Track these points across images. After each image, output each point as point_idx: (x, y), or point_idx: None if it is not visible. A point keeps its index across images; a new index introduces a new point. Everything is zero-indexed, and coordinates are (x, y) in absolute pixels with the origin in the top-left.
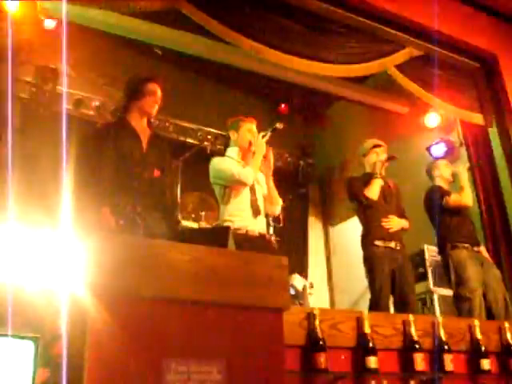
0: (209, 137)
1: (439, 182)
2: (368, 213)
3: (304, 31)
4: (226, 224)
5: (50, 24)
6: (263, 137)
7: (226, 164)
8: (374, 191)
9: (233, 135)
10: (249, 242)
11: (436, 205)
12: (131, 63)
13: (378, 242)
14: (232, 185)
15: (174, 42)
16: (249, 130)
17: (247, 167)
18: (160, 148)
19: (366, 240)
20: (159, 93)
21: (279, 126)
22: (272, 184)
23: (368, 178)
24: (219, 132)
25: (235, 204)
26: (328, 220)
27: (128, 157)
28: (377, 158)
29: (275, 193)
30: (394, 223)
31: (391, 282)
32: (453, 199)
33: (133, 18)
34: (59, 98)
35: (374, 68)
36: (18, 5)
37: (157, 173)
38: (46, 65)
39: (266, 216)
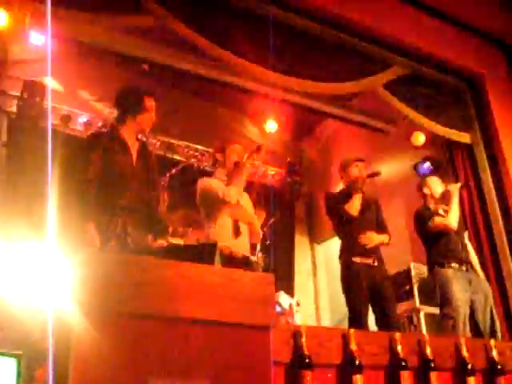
0: (196, 154)
1: (429, 200)
2: (347, 229)
3: (292, 49)
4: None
5: (38, 38)
6: (248, 157)
7: (210, 184)
8: (354, 207)
9: (219, 157)
10: (233, 263)
11: (423, 227)
12: (118, 79)
13: (355, 259)
14: (217, 204)
15: (158, 57)
16: (234, 152)
17: (231, 186)
18: (148, 161)
19: (344, 256)
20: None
21: (262, 145)
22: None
23: (347, 193)
24: (206, 149)
25: (219, 225)
26: (314, 237)
27: (118, 172)
28: (358, 172)
29: (257, 227)
30: (371, 239)
31: (371, 299)
32: (436, 222)
33: (119, 34)
34: (46, 112)
35: (362, 86)
36: (5, 17)
37: (146, 188)
38: (34, 79)
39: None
